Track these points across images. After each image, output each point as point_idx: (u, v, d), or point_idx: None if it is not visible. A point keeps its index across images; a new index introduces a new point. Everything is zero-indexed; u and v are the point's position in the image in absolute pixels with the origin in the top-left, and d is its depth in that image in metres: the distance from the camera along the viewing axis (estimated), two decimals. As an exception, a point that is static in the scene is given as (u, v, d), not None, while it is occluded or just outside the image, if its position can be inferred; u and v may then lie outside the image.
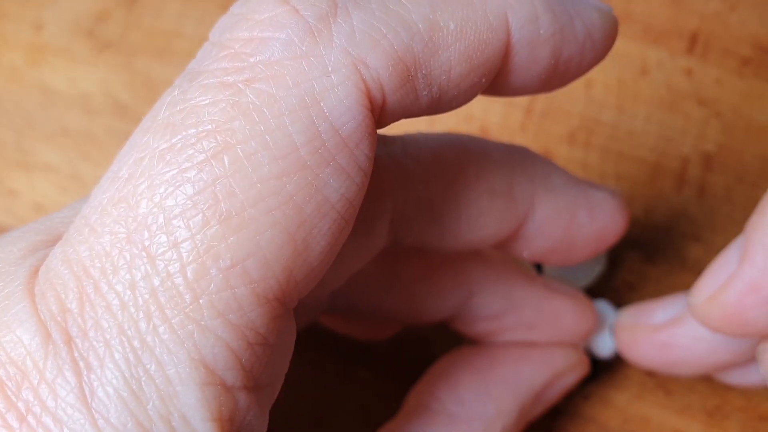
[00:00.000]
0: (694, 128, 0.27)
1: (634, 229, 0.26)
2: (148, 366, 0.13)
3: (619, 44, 0.28)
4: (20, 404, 0.13)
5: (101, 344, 0.13)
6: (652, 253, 0.25)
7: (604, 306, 0.23)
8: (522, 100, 0.27)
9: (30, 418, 0.12)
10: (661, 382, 0.24)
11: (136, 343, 0.13)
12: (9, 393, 0.13)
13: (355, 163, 0.14)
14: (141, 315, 0.13)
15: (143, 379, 0.13)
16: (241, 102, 0.13)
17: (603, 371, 0.24)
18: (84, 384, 0.13)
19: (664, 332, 0.21)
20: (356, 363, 0.24)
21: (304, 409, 0.24)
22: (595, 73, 0.27)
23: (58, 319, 0.13)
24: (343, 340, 0.24)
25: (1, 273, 0.14)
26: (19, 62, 0.29)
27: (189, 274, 0.13)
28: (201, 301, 0.13)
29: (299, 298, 0.14)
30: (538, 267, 0.23)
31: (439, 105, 0.15)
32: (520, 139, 0.27)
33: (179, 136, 0.13)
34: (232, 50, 0.14)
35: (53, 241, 0.15)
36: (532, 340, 0.21)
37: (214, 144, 0.13)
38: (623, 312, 0.22)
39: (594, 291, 0.24)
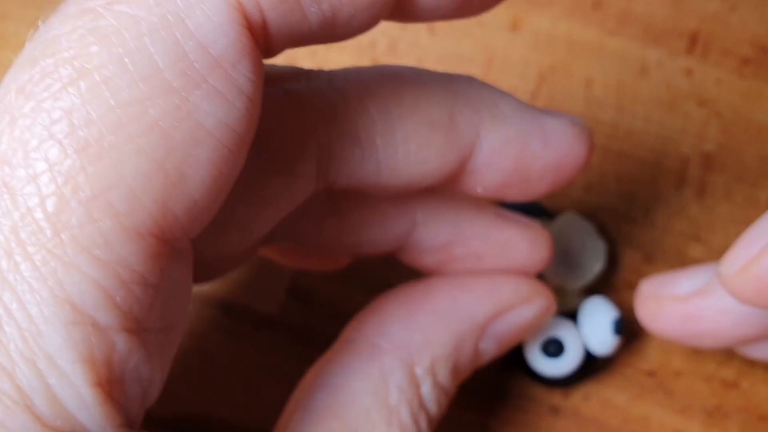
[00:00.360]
0: (694, 128, 0.27)
1: (634, 228, 0.26)
2: (9, 305, 0.12)
3: (619, 44, 0.28)
4: None
5: None
6: (651, 252, 0.25)
7: (603, 302, 0.23)
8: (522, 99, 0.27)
9: None
10: (661, 382, 0.24)
11: None
12: None
13: (234, 85, 0.13)
14: (1, 252, 0.12)
15: (3, 318, 0.12)
16: (99, 26, 0.12)
17: (603, 371, 0.24)
18: None
19: (690, 303, 0.20)
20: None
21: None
22: (595, 73, 0.27)
23: None
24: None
25: None
26: (18, 62, 0.29)
27: (49, 207, 0.12)
28: (63, 236, 0.12)
29: (188, 237, 0.13)
30: None
31: (334, 26, 0.13)
32: (519, 139, 0.27)
33: (38, 67, 0.12)
34: None
35: None
36: (482, 270, 0.20)
37: (70, 71, 0.12)
38: (645, 282, 0.22)
39: (593, 290, 0.24)
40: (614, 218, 0.26)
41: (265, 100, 0.14)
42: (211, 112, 0.12)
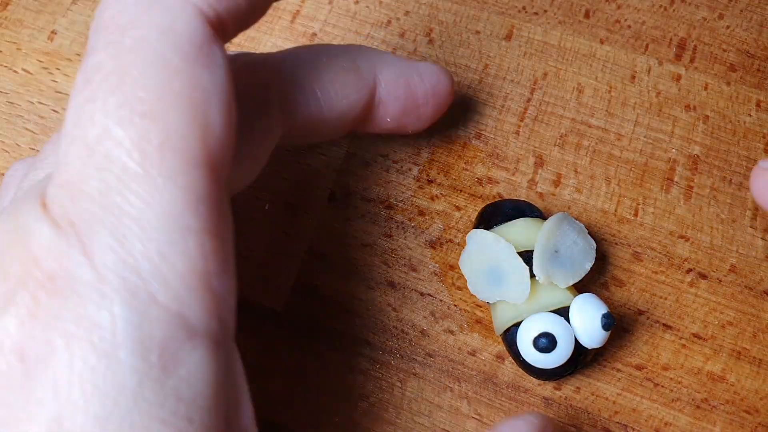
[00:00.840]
0: (682, 131, 0.27)
1: (623, 227, 0.26)
2: (132, 208, 0.16)
3: (610, 51, 0.28)
4: None
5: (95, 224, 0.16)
6: (640, 250, 0.26)
7: (593, 299, 0.23)
8: (516, 107, 0.28)
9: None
10: (649, 375, 0.24)
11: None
12: None
13: (213, 61, 0.18)
14: (115, 177, 0.16)
15: (125, 221, 0.16)
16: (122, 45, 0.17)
17: (593, 365, 0.24)
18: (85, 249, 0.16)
19: None
20: (357, 354, 0.25)
21: (307, 398, 0.24)
22: (586, 79, 0.28)
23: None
24: (345, 332, 0.25)
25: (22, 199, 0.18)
26: (33, 68, 0.29)
27: (134, 155, 0.16)
28: (152, 168, 0.16)
29: (224, 166, 0.17)
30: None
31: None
32: (513, 142, 0.27)
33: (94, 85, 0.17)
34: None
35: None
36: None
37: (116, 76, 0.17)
38: (763, 160, 0.23)
39: (584, 287, 0.25)
40: (604, 218, 0.26)
41: (233, 69, 0.20)
42: (208, 78, 0.17)
